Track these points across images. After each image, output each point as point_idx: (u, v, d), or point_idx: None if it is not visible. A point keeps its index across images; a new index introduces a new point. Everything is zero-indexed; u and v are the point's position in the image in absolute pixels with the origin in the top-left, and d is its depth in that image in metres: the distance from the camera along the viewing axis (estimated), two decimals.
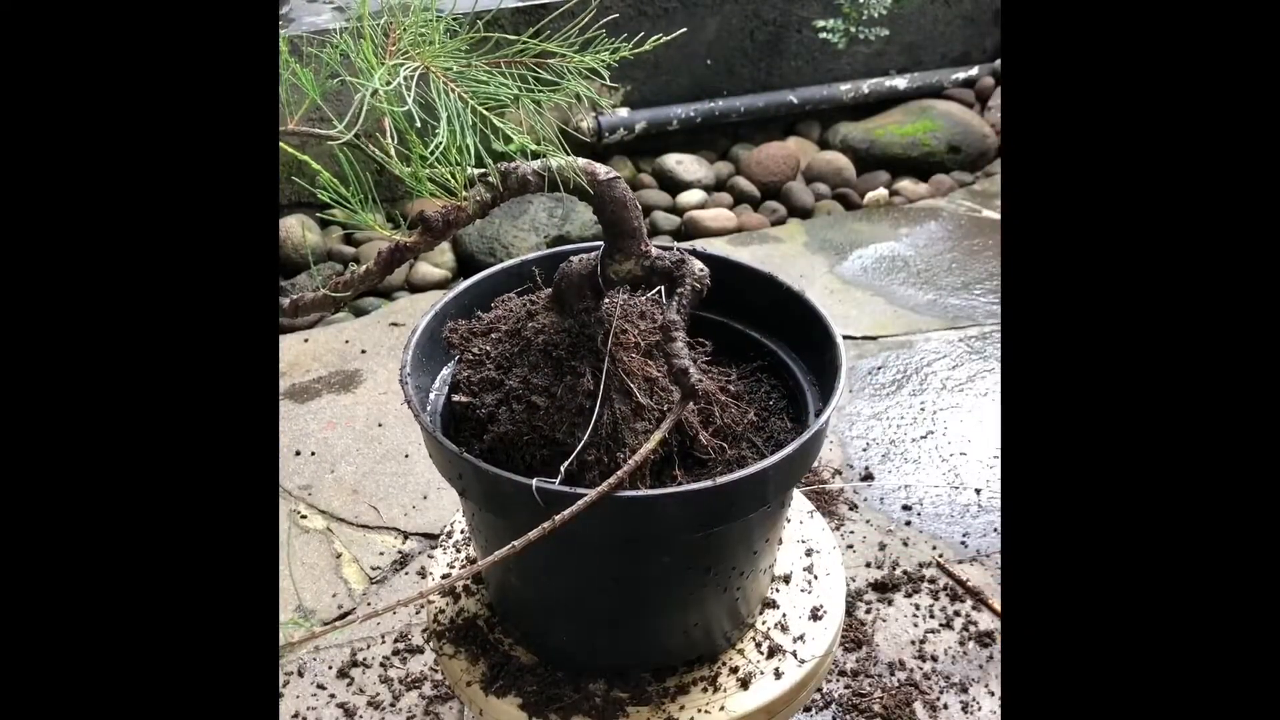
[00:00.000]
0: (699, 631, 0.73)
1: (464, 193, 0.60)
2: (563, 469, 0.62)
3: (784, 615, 0.77)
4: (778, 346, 0.78)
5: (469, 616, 0.80)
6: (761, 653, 0.74)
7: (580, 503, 0.57)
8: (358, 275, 0.64)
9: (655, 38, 0.60)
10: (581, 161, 0.62)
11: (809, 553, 0.82)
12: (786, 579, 0.80)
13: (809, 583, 0.80)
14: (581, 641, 0.75)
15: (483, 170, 0.60)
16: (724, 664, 0.74)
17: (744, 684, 0.72)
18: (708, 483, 0.60)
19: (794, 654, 0.74)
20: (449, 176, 0.57)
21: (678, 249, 0.68)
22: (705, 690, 0.72)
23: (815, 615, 0.77)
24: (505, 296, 0.76)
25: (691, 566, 0.68)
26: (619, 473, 0.58)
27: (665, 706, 0.71)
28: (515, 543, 0.57)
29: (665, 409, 0.64)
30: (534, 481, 0.59)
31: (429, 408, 0.75)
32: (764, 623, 0.77)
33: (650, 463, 0.64)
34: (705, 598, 0.70)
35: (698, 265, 0.63)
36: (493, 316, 0.74)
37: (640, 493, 0.60)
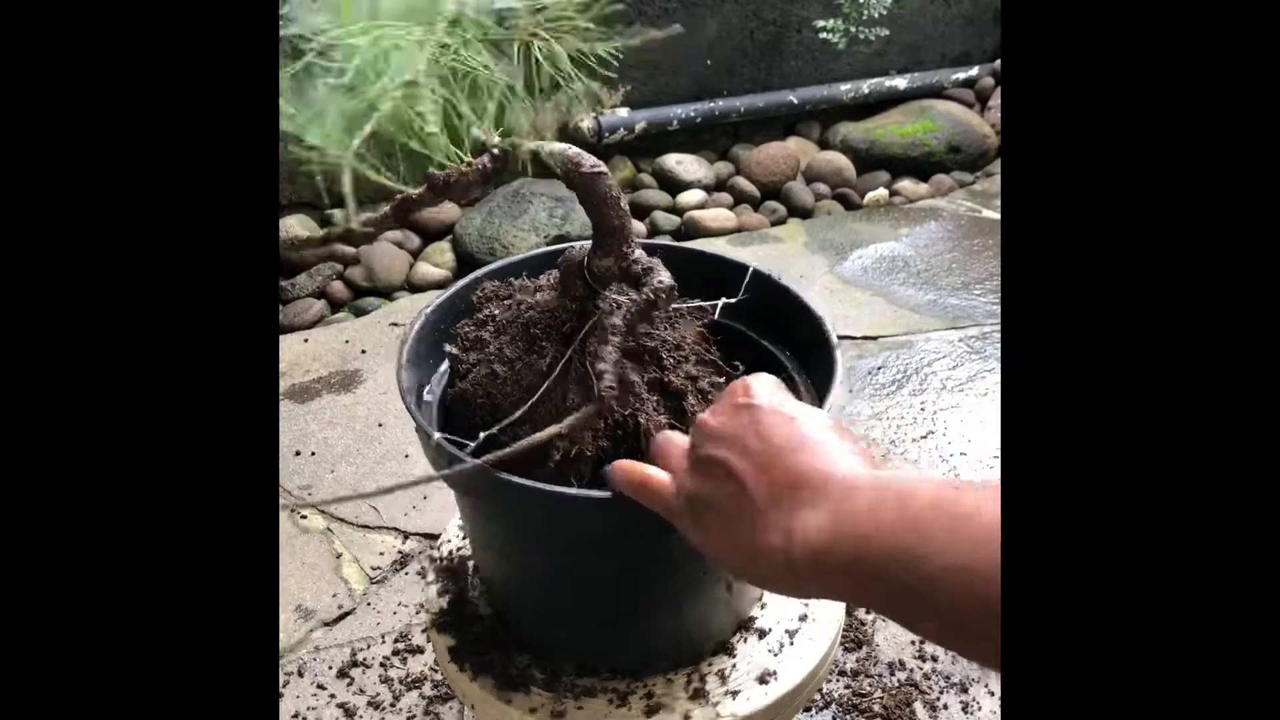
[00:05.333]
0: (614, 644, 0.73)
1: (467, 159, 0.62)
2: (482, 435, 0.62)
3: (733, 667, 0.74)
4: (796, 370, 0.77)
5: (463, 556, 0.82)
6: (685, 693, 0.72)
7: (457, 467, 0.58)
8: (376, 217, 0.67)
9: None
10: (570, 150, 0.62)
11: (803, 618, 0.78)
12: (762, 634, 0.76)
13: (780, 646, 0.75)
14: (507, 608, 0.77)
15: (496, 144, 0.62)
16: (645, 688, 0.72)
17: (650, 711, 0.71)
18: (573, 490, 0.60)
19: (715, 707, 0.71)
20: (451, 145, 0.60)
21: (668, 250, 0.68)
22: (610, 702, 0.71)
23: (763, 679, 0.73)
24: (551, 270, 0.77)
25: (602, 576, 0.68)
26: (501, 452, 0.58)
27: (565, 700, 0.71)
28: (387, 486, 0.59)
29: (629, 411, 0.64)
30: (436, 435, 0.61)
31: (443, 366, 0.76)
32: (709, 665, 0.74)
33: (587, 459, 0.63)
34: (617, 613, 0.70)
35: (661, 278, 0.62)
36: (518, 285, 0.75)
37: (520, 480, 0.59)
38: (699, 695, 0.72)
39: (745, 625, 0.78)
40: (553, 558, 0.69)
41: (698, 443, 0.51)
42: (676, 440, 0.56)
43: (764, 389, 0.51)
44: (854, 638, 1.25)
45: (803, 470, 0.46)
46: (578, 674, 0.73)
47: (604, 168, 0.63)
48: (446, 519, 0.88)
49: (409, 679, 1.20)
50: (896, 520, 0.41)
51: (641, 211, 2.40)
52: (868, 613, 1.28)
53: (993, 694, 1.17)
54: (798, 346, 0.77)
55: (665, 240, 2.26)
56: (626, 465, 0.56)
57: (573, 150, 0.62)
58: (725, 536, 0.48)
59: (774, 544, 0.45)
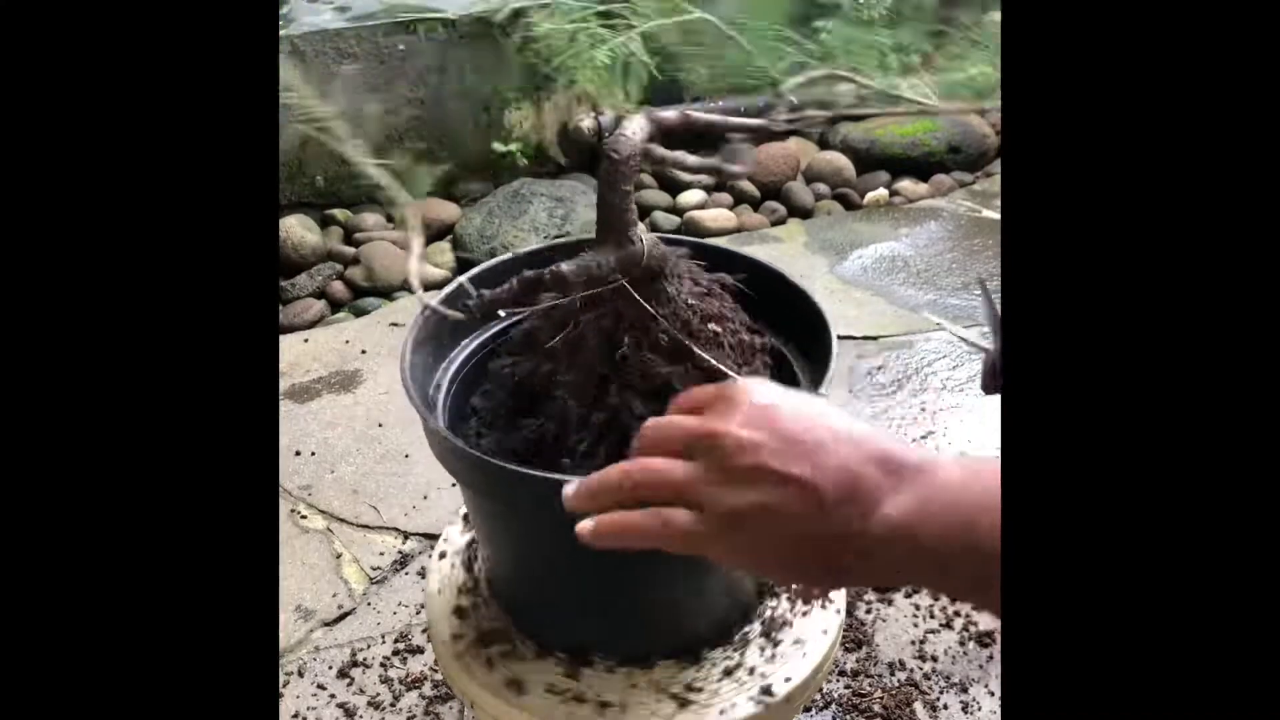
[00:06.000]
0: (584, 624, 0.74)
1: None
2: (464, 277, 0.66)
3: (693, 681, 0.73)
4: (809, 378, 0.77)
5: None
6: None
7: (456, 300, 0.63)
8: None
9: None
10: (619, 140, 0.63)
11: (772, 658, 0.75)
12: (685, 704, 0.74)
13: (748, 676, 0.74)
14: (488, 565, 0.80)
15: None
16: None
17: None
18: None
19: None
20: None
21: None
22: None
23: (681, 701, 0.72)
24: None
25: (565, 558, 0.68)
26: (493, 291, 0.62)
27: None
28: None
29: (611, 401, 0.65)
30: (462, 278, 0.66)
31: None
32: (664, 667, 0.73)
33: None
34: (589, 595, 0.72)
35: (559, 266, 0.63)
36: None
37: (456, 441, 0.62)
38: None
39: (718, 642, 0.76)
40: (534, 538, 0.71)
41: (724, 456, 0.46)
42: (666, 466, 0.48)
43: (767, 389, 0.49)
44: (854, 638, 1.25)
45: (875, 457, 0.45)
46: (537, 647, 0.75)
47: (621, 159, 0.63)
48: (446, 519, 0.88)
49: (409, 679, 1.20)
50: (981, 491, 0.42)
51: (641, 212, 2.40)
52: (868, 612, 1.28)
53: (993, 694, 1.17)
54: (796, 334, 0.78)
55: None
56: (615, 518, 0.48)
57: (621, 141, 0.63)
58: (788, 541, 0.45)
59: (856, 532, 0.44)
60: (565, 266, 0.60)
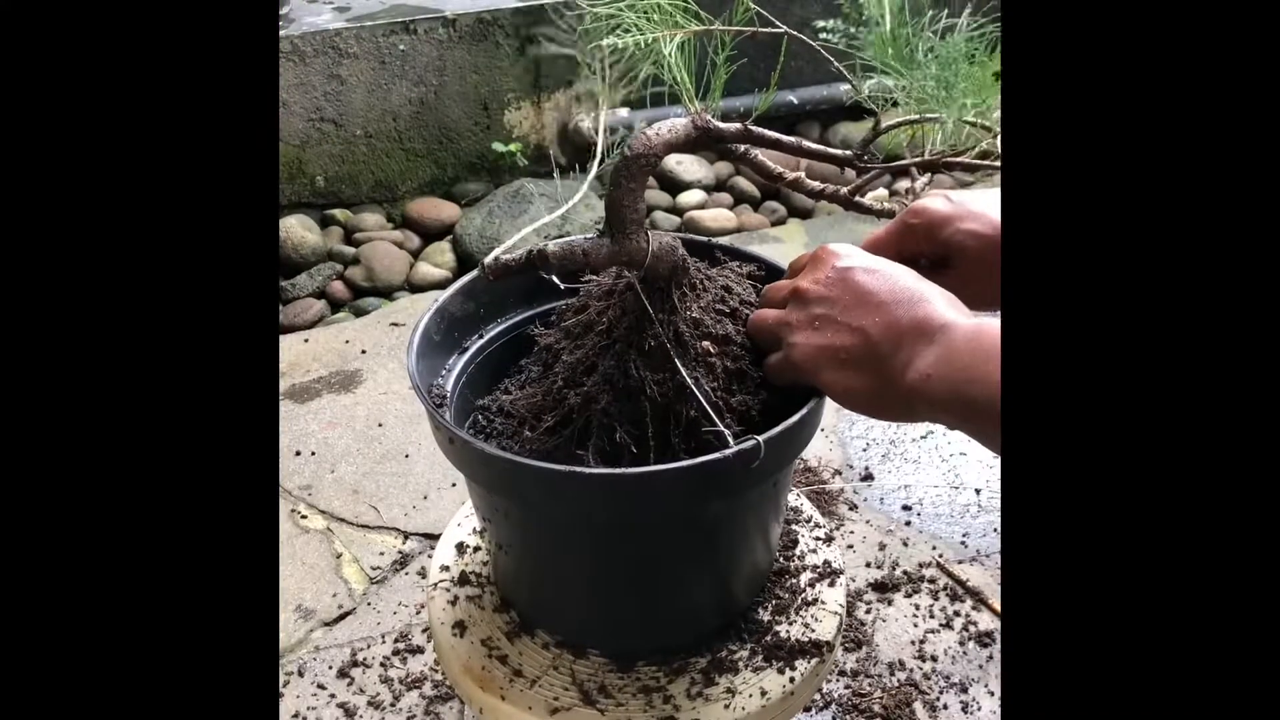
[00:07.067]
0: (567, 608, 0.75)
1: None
2: (497, 251, 0.63)
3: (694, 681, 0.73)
4: None
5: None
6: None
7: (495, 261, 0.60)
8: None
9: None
10: (640, 139, 0.63)
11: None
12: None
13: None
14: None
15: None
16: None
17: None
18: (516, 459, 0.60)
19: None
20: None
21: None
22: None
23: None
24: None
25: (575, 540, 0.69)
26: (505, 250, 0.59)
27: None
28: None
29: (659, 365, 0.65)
30: (486, 260, 0.63)
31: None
32: (683, 664, 0.73)
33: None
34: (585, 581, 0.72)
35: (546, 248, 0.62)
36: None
37: (503, 453, 0.61)
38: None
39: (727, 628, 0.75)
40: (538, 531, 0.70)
41: (804, 306, 0.58)
42: (764, 314, 0.63)
43: (848, 251, 0.59)
44: (854, 638, 1.25)
45: (917, 318, 0.53)
46: (524, 631, 0.76)
47: (649, 165, 0.64)
48: (447, 519, 0.87)
49: (409, 679, 1.20)
50: (976, 351, 0.50)
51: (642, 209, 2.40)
52: (867, 612, 1.28)
53: (992, 694, 1.17)
54: None
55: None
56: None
57: (640, 141, 0.64)
58: (852, 379, 0.55)
59: (899, 381, 0.53)
60: (550, 246, 0.60)
